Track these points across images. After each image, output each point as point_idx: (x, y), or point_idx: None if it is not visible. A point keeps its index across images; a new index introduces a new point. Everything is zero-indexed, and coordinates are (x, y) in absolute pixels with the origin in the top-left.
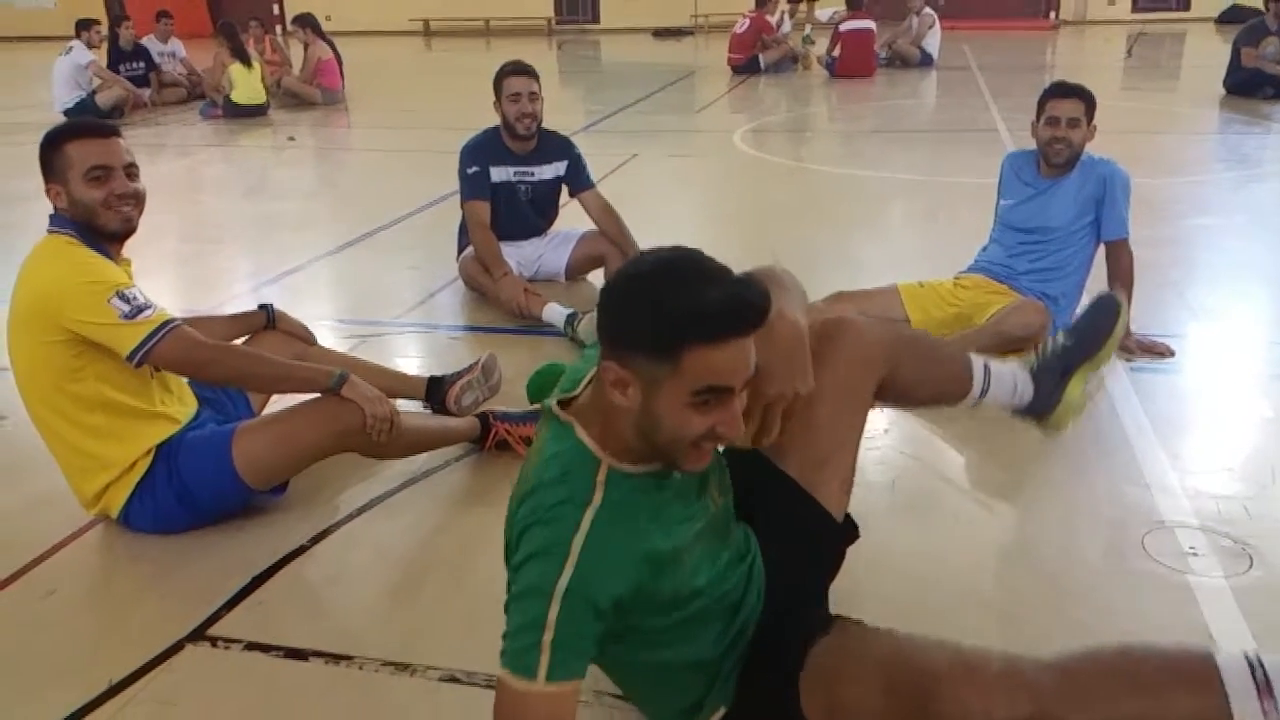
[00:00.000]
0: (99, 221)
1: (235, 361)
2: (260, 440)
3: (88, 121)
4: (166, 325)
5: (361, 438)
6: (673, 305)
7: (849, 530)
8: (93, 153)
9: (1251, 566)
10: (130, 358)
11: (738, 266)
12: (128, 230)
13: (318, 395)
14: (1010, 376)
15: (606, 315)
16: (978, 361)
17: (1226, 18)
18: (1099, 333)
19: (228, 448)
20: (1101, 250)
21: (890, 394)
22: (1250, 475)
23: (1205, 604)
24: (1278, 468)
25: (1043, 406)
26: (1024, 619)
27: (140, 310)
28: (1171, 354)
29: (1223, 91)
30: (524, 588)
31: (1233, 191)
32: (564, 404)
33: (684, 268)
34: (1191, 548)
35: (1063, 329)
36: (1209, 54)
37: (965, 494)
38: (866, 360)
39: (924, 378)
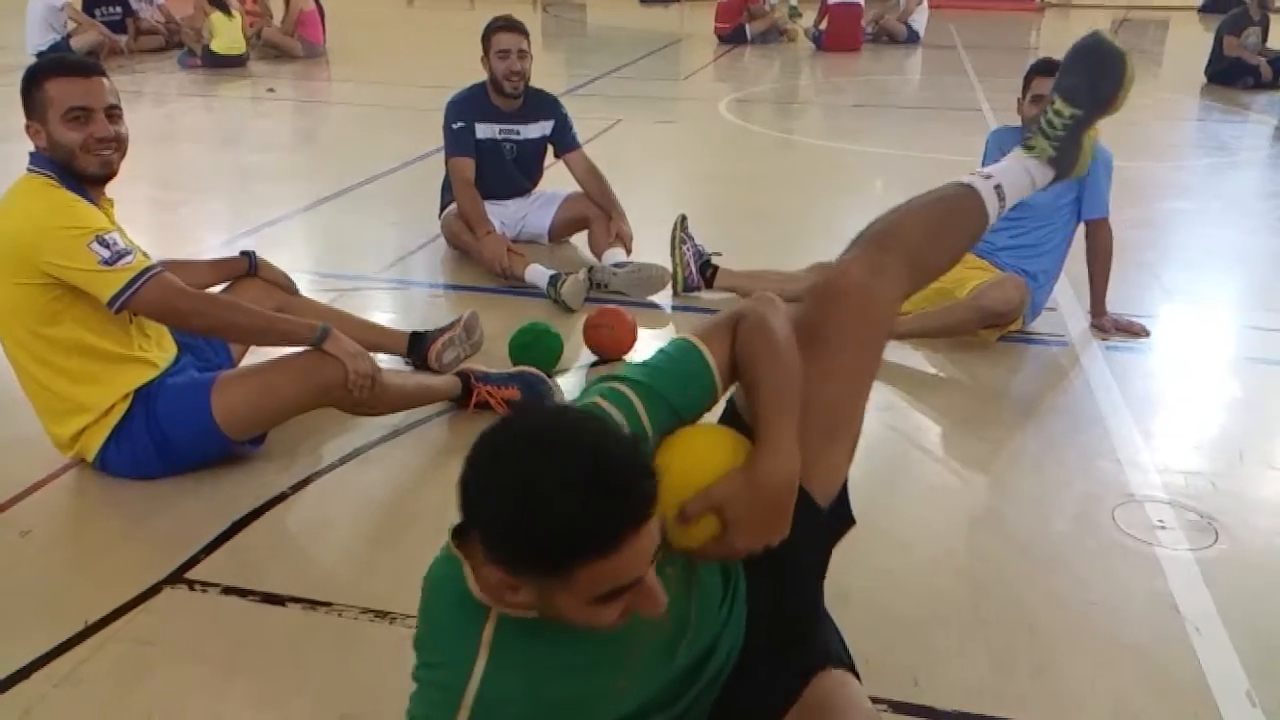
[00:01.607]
0: (77, 164)
1: (217, 312)
2: (240, 392)
3: (71, 58)
4: (148, 272)
5: (342, 393)
6: (552, 525)
7: (844, 521)
8: (73, 92)
9: (1216, 540)
10: (111, 304)
11: (723, 235)
12: (107, 174)
13: (300, 349)
14: (1022, 173)
15: (476, 519)
16: (985, 186)
17: (1210, 6)
18: (1109, 92)
19: (207, 397)
20: (1081, 229)
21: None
22: (1219, 453)
23: (1171, 575)
24: (1245, 446)
25: (1065, 172)
26: (995, 587)
27: (121, 256)
28: (1146, 334)
29: (1204, 80)
30: None
31: (1209, 177)
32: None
33: (558, 463)
34: (1160, 521)
35: (1058, 96)
36: (1192, 42)
37: (941, 464)
38: (879, 321)
39: (945, 256)
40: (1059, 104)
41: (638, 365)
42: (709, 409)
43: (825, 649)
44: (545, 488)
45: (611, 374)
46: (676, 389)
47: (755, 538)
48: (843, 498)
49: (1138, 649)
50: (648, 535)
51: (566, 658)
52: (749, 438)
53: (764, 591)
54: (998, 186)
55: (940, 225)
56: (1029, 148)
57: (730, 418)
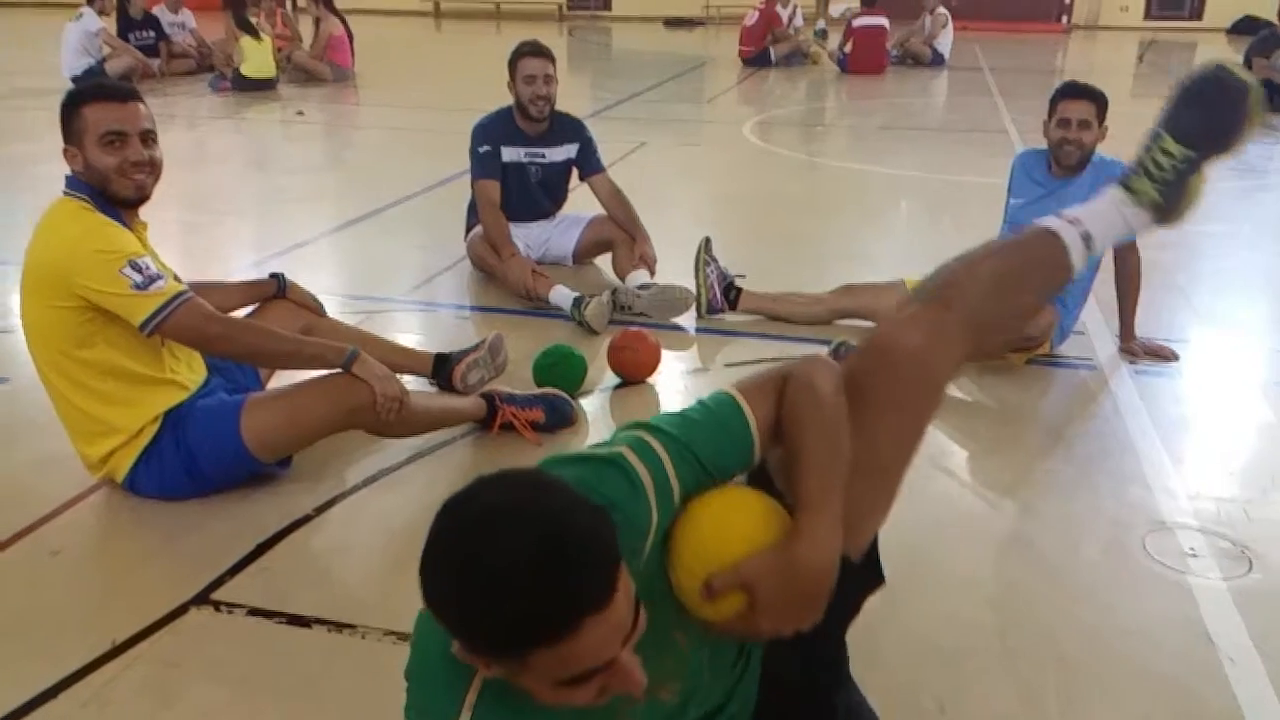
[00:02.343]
0: (112, 188)
1: (247, 337)
2: (269, 414)
3: (108, 84)
4: (179, 297)
5: (370, 416)
6: (497, 616)
7: (873, 578)
8: (109, 117)
9: (1251, 570)
10: (142, 328)
11: (747, 257)
12: (141, 198)
13: (328, 371)
14: (1116, 219)
15: (427, 601)
16: (1070, 233)
17: (1238, 28)
18: (1231, 132)
19: (236, 420)
20: (1109, 252)
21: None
22: (1251, 479)
23: (1204, 604)
24: (1278, 472)
25: (1166, 219)
26: (1024, 614)
27: (152, 281)
28: (1176, 358)
29: None
30: None
31: (1239, 200)
32: None
33: (504, 551)
34: (1192, 549)
35: (1168, 134)
36: None
37: (968, 489)
38: (933, 388)
39: (1017, 314)
40: (1169, 143)
41: (672, 415)
42: (743, 472)
43: (854, 714)
44: (488, 578)
45: (643, 422)
46: (710, 447)
47: (784, 622)
48: (873, 552)
49: (1170, 679)
50: (614, 616)
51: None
52: (781, 502)
53: (781, 648)
54: (1086, 235)
55: (1015, 278)
56: (1129, 189)
57: (758, 477)
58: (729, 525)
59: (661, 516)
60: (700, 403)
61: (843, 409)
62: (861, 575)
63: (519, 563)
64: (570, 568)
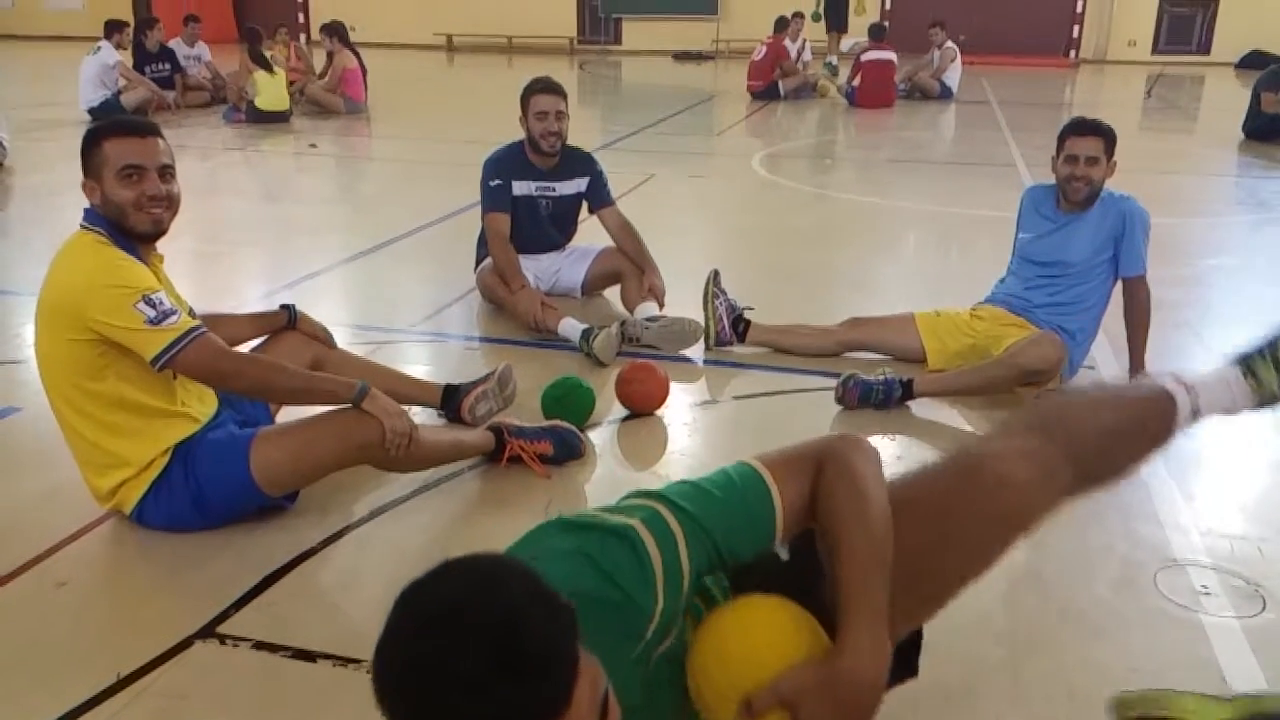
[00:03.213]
0: (129, 222)
1: (257, 372)
2: (278, 449)
3: (129, 119)
4: (192, 333)
5: (379, 451)
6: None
7: (903, 670)
8: (128, 151)
9: (1265, 609)
10: (154, 362)
11: (755, 289)
12: (157, 232)
13: (338, 406)
14: (1227, 398)
15: (379, 699)
16: (1185, 403)
17: (1247, 62)
18: None
19: (245, 454)
20: (1118, 286)
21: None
22: (1265, 516)
23: (1217, 643)
24: None
25: (1263, 407)
26: (1035, 652)
27: (166, 316)
28: None
29: (1241, 136)
30: None
31: (1250, 234)
32: None
33: (450, 657)
34: (1204, 587)
35: None
36: (1228, 98)
37: None
38: (1024, 525)
39: (1119, 467)
40: None
41: (689, 487)
42: (759, 557)
43: None
44: (432, 687)
45: (657, 492)
46: (726, 529)
47: None
48: (913, 643)
49: None
50: (591, 694)
51: None
52: (820, 572)
53: None
54: (1195, 409)
55: (1127, 438)
56: (1253, 373)
57: (802, 553)
58: (763, 640)
59: (668, 601)
60: (724, 473)
61: (884, 497)
62: (894, 664)
63: (461, 674)
64: (518, 679)
